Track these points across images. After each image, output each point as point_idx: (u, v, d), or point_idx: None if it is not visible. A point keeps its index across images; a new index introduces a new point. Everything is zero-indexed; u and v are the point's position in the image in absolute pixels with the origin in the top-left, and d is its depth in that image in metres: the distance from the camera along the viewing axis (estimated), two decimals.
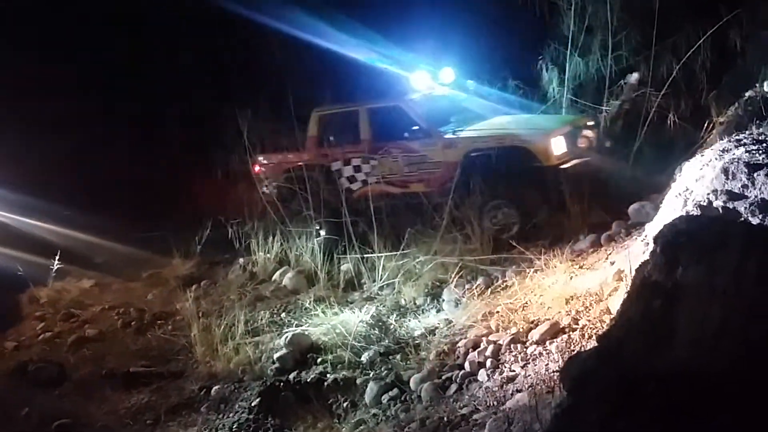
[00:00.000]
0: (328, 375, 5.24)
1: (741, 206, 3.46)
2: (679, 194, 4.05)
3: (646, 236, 4.67)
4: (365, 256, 6.97)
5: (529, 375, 4.15)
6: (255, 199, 8.46)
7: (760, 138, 4.10)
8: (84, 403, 5.73)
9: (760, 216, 3.35)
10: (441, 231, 6.85)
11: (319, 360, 5.50)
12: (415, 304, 6.19)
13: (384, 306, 6.23)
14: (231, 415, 5.06)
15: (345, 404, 4.90)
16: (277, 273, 7.69)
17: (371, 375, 5.07)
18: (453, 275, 6.13)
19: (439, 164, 7.50)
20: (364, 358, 5.32)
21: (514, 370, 4.32)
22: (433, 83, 8.43)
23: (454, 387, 4.48)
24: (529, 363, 4.33)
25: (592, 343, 3.84)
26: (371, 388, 4.84)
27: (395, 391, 4.73)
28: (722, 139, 4.64)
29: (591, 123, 7.80)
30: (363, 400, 4.86)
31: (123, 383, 5.97)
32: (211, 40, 11.31)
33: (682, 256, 2.68)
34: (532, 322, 4.81)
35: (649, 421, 2.23)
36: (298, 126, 8.20)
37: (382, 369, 5.12)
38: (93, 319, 7.54)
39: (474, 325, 5.21)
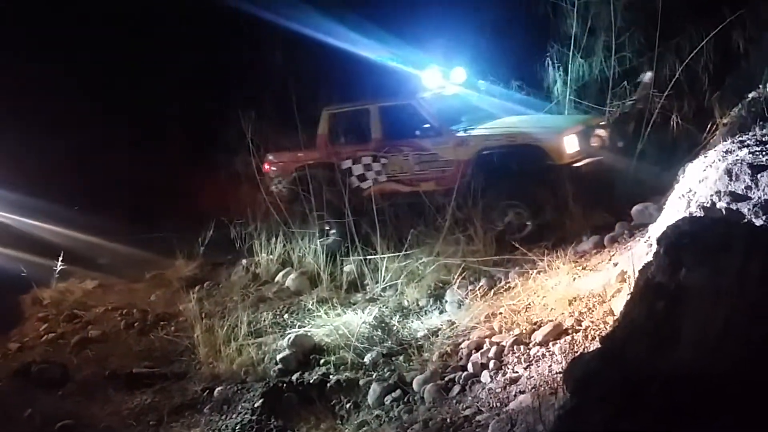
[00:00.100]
0: (331, 376, 5.24)
1: (744, 207, 3.46)
2: (683, 195, 4.05)
3: (649, 237, 4.68)
4: (368, 257, 6.96)
5: (532, 376, 4.15)
6: (258, 200, 8.44)
7: (763, 139, 4.10)
8: (87, 404, 5.74)
9: (764, 217, 3.35)
10: (444, 232, 6.83)
11: (322, 361, 5.50)
12: (417, 305, 6.18)
13: (387, 307, 6.22)
14: (234, 416, 5.06)
15: (348, 405, 4.91)
16: (280, 274, 7.68)
17: (374, 376, 5.07)
18: (456, 276, 6.12)
19: (451, 162, 7.46)
20: (367, 359, 5.32)
21: (517, 372, 4.32)
22: (445, 82, 8.38)
23: (457, 388, 4.48)
24: (532, 364, 4.33)
25: (596, 345, 3.82)
26: (374, 390, 4.84)
27: (398, 392, 4.73)
28: (725, 141, 4.63)
29: (603, 122, 7.78)
30: (366, 401, 4.86)
31: (126, 384, 5.97)
32: (214, 39, 11.25)
33: (685, 258, 2.68)
34: (535, 324, 4.81)
35: (653, 423, 2.23)
36: (302, 126, 8.17)
37: (385, 370, 5.12)
38: (96, 320, 7.53)
39: (477, 326, 5.21)
